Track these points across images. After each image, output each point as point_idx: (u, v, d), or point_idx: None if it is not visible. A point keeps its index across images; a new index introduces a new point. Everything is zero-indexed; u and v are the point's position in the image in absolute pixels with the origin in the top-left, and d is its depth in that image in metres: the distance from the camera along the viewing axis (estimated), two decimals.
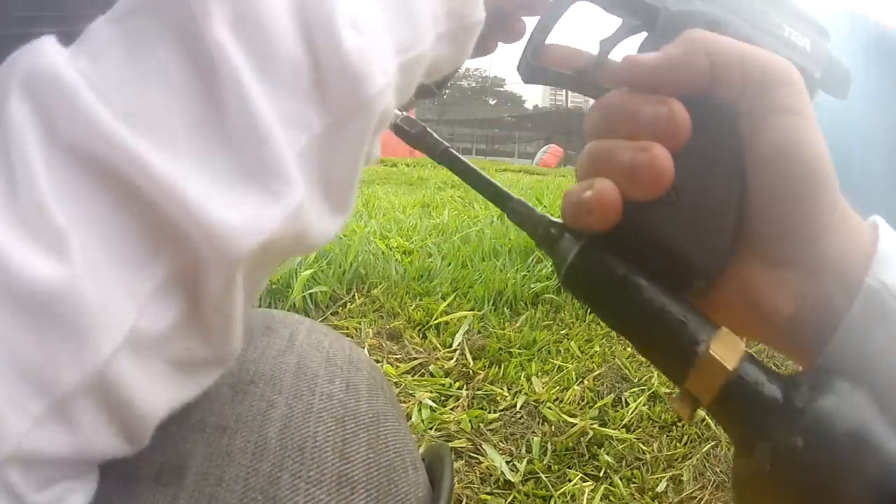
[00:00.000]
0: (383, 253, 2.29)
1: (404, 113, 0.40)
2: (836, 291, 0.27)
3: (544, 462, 1.16)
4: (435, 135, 0.38)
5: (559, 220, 0.30)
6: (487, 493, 1.07)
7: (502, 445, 1.21)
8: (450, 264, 2.20)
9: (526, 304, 1.91)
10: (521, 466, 1.14)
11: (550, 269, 2.14)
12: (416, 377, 1.44)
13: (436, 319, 1.71)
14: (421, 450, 0.40)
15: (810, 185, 0.26)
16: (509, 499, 1.06)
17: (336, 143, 0.25)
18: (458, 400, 1.36)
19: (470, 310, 1.80)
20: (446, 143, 0.37)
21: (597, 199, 0.26)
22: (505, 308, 1.86)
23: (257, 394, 0.32)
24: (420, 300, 1.86)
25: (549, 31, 0.38)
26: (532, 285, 2.00)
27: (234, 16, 0.22)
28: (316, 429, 0.31)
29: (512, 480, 1.10)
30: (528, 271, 2.14)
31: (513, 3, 0.41)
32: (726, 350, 0.25)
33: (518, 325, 1.75)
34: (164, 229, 0.20)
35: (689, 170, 0.27)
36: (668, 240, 0.27)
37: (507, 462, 1.15)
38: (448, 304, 1.82)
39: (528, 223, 0.31)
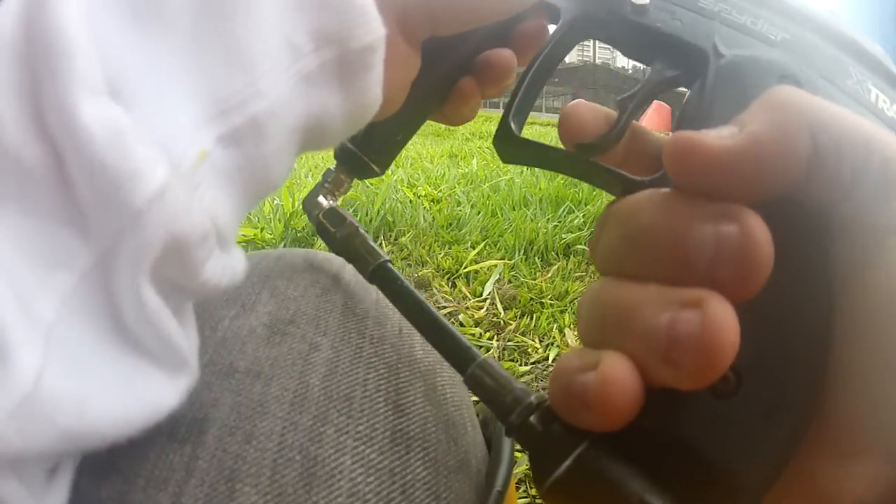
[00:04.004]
0: (411, 201, 2.24)
1: (332, 202, 0.29)
2: None
3: None
4: (370, 240, 0.28)
5: (544, 400, 0.20)
6: (518, 451, 1.03)
7: None
8: (479, 213, 2.14)
9: (557, 255, 1.86)
10: None
11: (582, 220, 2.07)
12: None
13: (465, 268, 1.67)
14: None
15: None
16: None
17: (116, 278, 0.17)
18: (489, 351, 1.32)
19: (500, 259, 1.75)
20: (385, 256, 0.28)
21: (601, 390, 0.16)
22: (536, 258, 1.81)
23: (298, 335, 0.27)
24: (449, 248, 1.82)
25: (544, 81, 0.25)
26: (563, 235, 1.94)
27: None
28: (366, 376, 0.26)
29: None
30: (560, 221, 2.07)
31: (477, 19, 0.26)
32: None
33: (549, 275, 1.70)
34: None
35: (760, 336, 0.16)
36: (712, 450, 0.17)
37: None
38: (478, 253, 1.77)
39: (497, 402, 0.22)
